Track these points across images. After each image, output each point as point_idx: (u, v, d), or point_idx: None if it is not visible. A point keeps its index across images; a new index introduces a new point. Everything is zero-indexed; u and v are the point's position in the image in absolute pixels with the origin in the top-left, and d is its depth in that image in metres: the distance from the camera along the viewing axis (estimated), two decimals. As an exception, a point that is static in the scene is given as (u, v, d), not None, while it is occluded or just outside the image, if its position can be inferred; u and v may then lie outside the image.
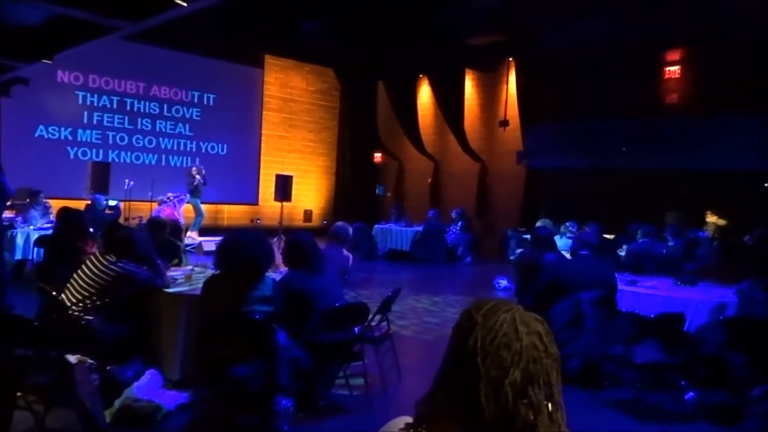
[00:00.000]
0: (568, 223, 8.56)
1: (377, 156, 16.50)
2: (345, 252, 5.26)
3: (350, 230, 5.43)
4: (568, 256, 5.60)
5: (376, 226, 13.08)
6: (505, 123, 13.58)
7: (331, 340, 3.93)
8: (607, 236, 8.68)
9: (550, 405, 1.07)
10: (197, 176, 12.16)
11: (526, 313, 1.20)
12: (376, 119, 16.16)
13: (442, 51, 13.46)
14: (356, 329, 4.26)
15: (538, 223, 7.75)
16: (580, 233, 6.51)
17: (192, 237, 12.05)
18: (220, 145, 14.60)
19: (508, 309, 1.20)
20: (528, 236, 8.12)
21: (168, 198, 11.26)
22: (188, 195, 12.00)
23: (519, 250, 8.21)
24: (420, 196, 15.31)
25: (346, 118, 16.68)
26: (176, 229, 8.37)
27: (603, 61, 11.64)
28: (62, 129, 12.42)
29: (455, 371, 1.15)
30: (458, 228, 12.53)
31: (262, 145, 15.39)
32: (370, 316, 4.26)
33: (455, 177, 14.75)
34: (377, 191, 16.27)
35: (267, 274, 3.59)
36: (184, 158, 13.99)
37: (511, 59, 13.52)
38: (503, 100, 13.74)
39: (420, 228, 12.34)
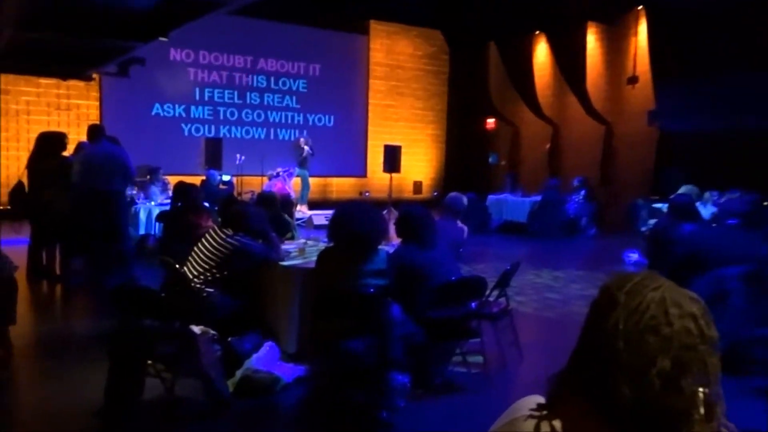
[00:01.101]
0: (710, 192, 7.98)
1: (490, 122, 16.19)
2: (459, 224, 5.23)
3: (465, 201, 5.39)
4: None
5: (489, 196, 12.91)
6: (633, 80, 12.76)
7: (447, 316, 3.94)
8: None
9: (707, 397, 0.98)
10: (305, 147, 12.62)
11: (678, 291, 1.09)
12: (488, 83, 15.81)
13: (560, 3, 12.86)
14: (473, 305, 4.24)
15: (682, 190, 7.27)
16: (727, 200, 6.02)
17: (302, 211, 12.53)
18: (326, 116, 14.96)
19: (657, 286, 1.09)
20: (661, 206, 7.62)
21: (278, 173, 11.76)
22: (296, 167, 12.48)
23: (652, 221, 7.77)
24: (537, 163, 14.86)
25: (456, 83, 16.47)
26: (287, 204, 8.79)
27: (745, 8, 10.56)
28: (176, 106, 13.26)
29: (591, 355, 1.08)
30: (580, 198, 12.12)
31: (369, 115, 15.59)
32: (488, 291, 4.22)
33: (576, 142, 14.15)
34: (490, 160, 16.00)
35: (380, 247, 3.65)
36: (292, 131, 14.49)
37: (640, 8, 12.64)
38: (631, 54, 12.90)
39: (537, 198, 12.04)
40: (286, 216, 6.41)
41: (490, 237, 11.63)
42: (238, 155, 11.86)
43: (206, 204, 7.50)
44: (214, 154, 11.54)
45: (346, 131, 15.17)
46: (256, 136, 14.08)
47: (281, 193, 10.68)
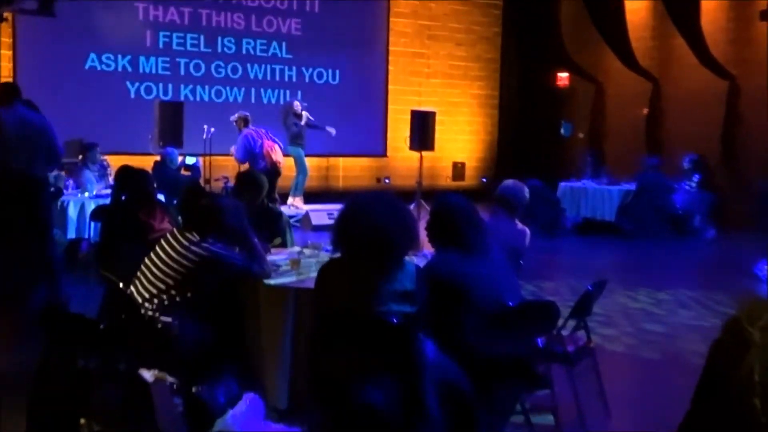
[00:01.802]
0: None
1: (562, 77, 16.19)
2: (518, 225, 5.24)
3: (526, 191, 5.41)
4: None
5: (561, 184, 12.94)
6: (768, 15, 12.63)
7: (502, 355, 3.93)
8: None
9: None
10: (301, 114, 12.72)
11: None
12: (559, 20, 15.81)
13: None
14: (539, 341, 4.22)
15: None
16: None
17: (295, 206, 12.64)
18: (329, 71, 15.08)
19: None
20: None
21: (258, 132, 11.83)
22: (287, 145, 12.57)
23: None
24: (630, 136, 14.75)
25: (514, 21, 16.47)
26: (273, 175, 9.09)
27: None
28: (119, 57, 13.45)
29: (716, 413, 1.08)
30: (692, 185, 12.10)
31: (390, 68, 15.68)
32: (560, 322, 4.20)
33: (687, 104, 13.99)
34: (562, 131, 15.97)
35: (407, 258, 3.65)
36: (281, 92, 14.64)
37: None
38: (766, -23, 12.77)
39: (631, 186, 12.03)
40: (274, 207, 6.44)
41: (562, 242, 11.65)
42: (205, 127, 11.93)
43: (161, 196, 7.59)
44: (173, 125, 11.67)
45: (357, 91, 15.29)
46: (231, 99, 14.24)
47: (268, 162, 11.11)
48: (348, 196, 3.68)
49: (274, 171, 11.08)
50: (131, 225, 5.32)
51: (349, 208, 3.69)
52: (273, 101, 14.51)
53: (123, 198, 5.92)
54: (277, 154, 11.39)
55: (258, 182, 5.82)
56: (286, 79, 14.74)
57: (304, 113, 12.85)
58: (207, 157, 11.93)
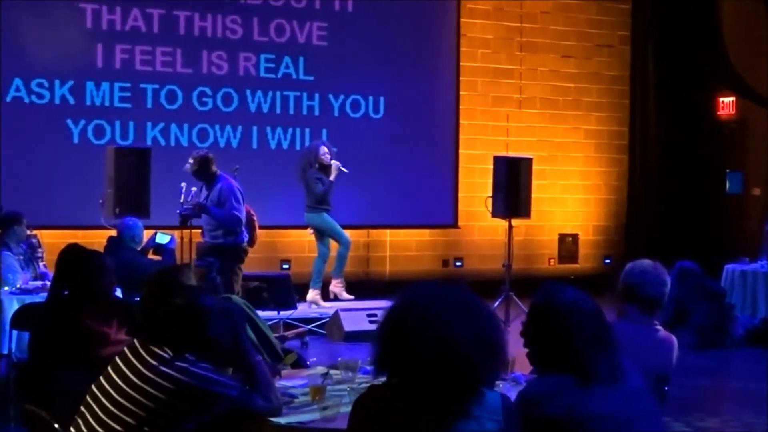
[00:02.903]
0: None
1: (725, 103, 16.24)
2: (660, 331, 5.18)
3: (667, 279, 5.35)
4: None
5: (727, 267, 12.83)
6: None
7: None
8: None
9: None
10: (329, 167, 12.72)
11: None
12: (720, 24, 15.90)
13: None
14: None
15: None
16: None
17: (315, 301, 12.82)
18: (369, 100, 15.25)
19: None
20: None
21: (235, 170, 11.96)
22: (310, 209, 12.67)
23: None
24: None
25: (649, 21, 16.54)
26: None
27: None
28: (56, 84, 13.66)
29: None
30: None
31: (462, 93, 15.78)
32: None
33: None
34: (728, 186, 15.82)
35: (488, 386, 3.64)
36: (297, 131, 14.80)
37: None
38: None
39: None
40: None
41: (731, 356, 11.51)
42: (184, 185, 11.92)
43: (118, 292, 7.62)
44: (135, 182, 11.78)
45: (410, 130, 15.41)
46: (222, 142, 14.39)
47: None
48: (399, 288, 3.67)
49: (252, 241, 11.83)
50: (75, 335, 5.37)
51: (401, 308, 3.71)
52: (285, 145, 14.70)
53: (65, 294, 5.96)
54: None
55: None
56: (305, 111, 14.88)
57: (334, 164, 12.89)
58: (186, 232, 11.81)
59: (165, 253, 10.90)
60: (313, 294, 12.94)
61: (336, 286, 13.11)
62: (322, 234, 13.13)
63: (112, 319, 5.51)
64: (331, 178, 12.85)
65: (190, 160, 11.52)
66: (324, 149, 13.02)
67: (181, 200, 11.70)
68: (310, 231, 13.39)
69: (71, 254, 6.15)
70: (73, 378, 4.62)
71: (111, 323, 5.44)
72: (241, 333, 4.53)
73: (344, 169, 12.97)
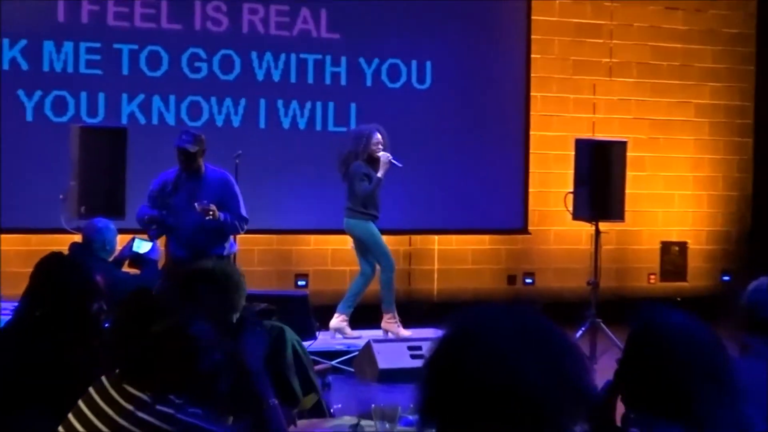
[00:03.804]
0: None
1: None
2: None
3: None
4: None
5: None
6: None
7: None
8: None
9: None
10: (380, 155, 12.63)
11: None
12: None
13: None
14: None
15: None
16: None
17: (339, 327, 12.77)
18: (411, 65, 15.41)
19: None
20: None
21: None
22: (350, 213, 12.72)
23: None
24: None
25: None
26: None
27: None
28: (5, 43, 13.73)
29: None
30: None
31: (533, 57, 15.86)
32: None
33: None
34: None
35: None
36: (319, 106, 14.95)
37: None
38: None
39: None
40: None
41: None
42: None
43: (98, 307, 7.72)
44: (107, 173, 11.93)
45: (465, 104, 15.58)
46: (220, 120, 14.64)
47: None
48: (450, 313, 3.68)
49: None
50: (49, 368, 5.44)
51: (456, 338, 3.76)
52: (301, 125, 14.89)
53: (36, 316, 6.00)
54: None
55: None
56: (328, 80, 15.06)
57: (383, 156, 12.91)
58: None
59: (145, 265, 10.95)
60: (338, 320, 12.99)
61: (389, 323, 13.09)
62: (364, 248, 13.27)
63: (95, 347, 5.55)
64: (380, 174, 12.90)
65: (190, 140, 11.50)
66: (378, 137, 13.09)
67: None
68: (351, 245, 13.51)
69: (51, 264, 6.19)
70: (41, 421, 4.65)
71: (94, 352, 5.48)
72: (256, 368, 4.54)
73: (397, 163, 13.02)
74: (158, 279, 11.11)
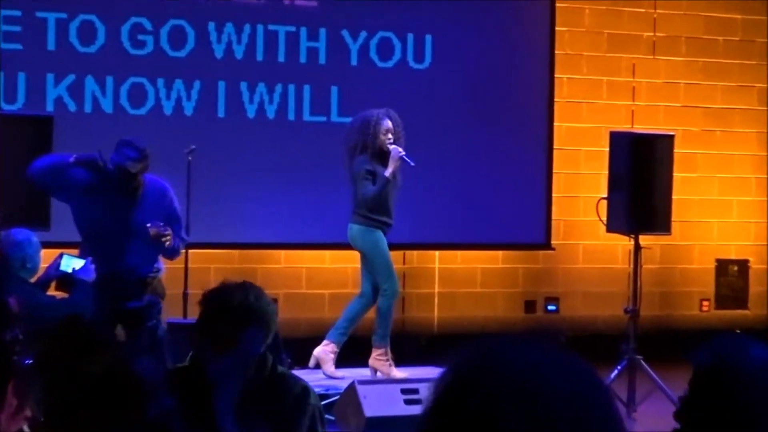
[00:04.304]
0: None
1: None
2: None
3: None
4: None
5: None
6: None
7: None
8: None
9: None
10: (389, 148, 12.54)
11: None
12: None
13: None
14: None
15: None
16: None
17: (322, 357, 12.69)
18: (405, 37, 15.30)
19: None
20: None
21: None
22: (363, 216, 12.65)
23: None
24: None
25: None
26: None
27: None
28: None
29: None
30: None
31: (556, 27, 15.70)
32: None
33: None
34: None
35: None
36: (292, 89, 14.88)
37: None
38: None
39: None
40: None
41: None
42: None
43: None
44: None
45: (472, 86, 15.52)
46: (169, 107, 14.59)
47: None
48: (455, 347, 3.62)
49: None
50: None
51: (462, 380, 3.70)
52: (270, 113, 14.85)
53: None
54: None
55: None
56: (303, 58, 15.04)
57: (393, 150, 12.78)
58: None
59: (76, 287, 10.79)
60: (325, 348, 12.90)
61: (379, 360, 12.89)
62: (368, 263, 13.16)
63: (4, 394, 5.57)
64: (387, 171, 12.77)
65: (134, 157, 11.12)
66: (389, 124, 13.00)
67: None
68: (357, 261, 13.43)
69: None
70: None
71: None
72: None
73: (409, 161, 12.91)
74: (92, 303, 11.16)
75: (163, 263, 11.54)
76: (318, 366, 12.74)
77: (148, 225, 10.97)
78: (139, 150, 11.07)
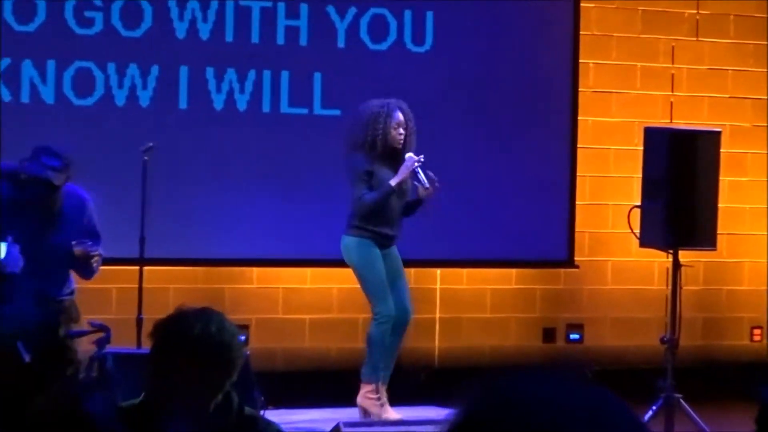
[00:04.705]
0: None
1: None
2: None
3: None
4: None
5: None
6: None
7: None
8: None
9: None
10: (399, 145, 12.55)
11: None
12: None
13: None
14: None
15: None
16: None
17: (365, 408, 12.68)
18: (402, 15, 15.29)
19: None
20: None
21: None
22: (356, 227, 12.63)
23: None
24: None
25: None
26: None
27: None
28: None
29: None
30: None
31: (581, 3, 15.74)
32: None
33: None
34: None
35: None
36: (267, 76, 14.86)
37: None
38: None
39: None
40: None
41: None
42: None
43: None
44: None
45: (483, 74, 15.51)
46: (121, 99, 14.43)
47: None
48: (469, 380, 3.60)
49: None
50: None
51: (474, 422, 3.69)
52: (241, 104, 14.82)
53: None
54: None
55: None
56: (281, 39, 15.05)
57: (409, 158, 12.88)
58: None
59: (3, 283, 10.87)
60: (363, 393, 12.87)
61: (368, 399, 12.79)
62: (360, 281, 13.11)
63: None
64: (394, 181, 12.79)
65: (57, 166, 11.25)
66: (401, 117, 13.06)
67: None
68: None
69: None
70: None
71: None
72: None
73: (424, 181, 12.90)
74: (33, 307, 11.13)
75: (76, 283, 11.55)
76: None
77: (73, 243, 11.04)
78: (61, 158, 11.10)
